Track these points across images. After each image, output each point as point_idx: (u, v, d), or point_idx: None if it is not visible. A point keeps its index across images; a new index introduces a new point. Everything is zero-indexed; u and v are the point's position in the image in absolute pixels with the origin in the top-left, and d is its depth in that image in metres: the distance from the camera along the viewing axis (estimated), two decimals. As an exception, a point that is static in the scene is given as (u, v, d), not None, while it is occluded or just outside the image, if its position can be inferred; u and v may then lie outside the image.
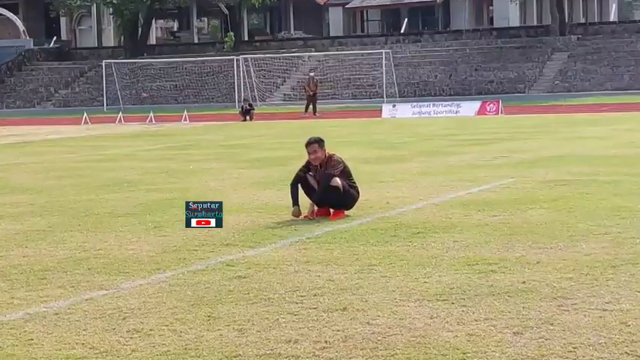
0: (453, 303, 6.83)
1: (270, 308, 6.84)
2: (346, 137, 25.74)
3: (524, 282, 7.39)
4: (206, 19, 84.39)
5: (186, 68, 59.25)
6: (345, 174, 11.12)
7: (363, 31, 72.68)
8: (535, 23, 65.98)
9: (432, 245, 9.06)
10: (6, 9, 70.92)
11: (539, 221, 10.22)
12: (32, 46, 67.51)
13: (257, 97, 51.66)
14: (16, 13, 72.63)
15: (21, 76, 64.19)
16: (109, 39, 72.66)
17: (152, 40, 71.78)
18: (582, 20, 67.89)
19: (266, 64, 56.48)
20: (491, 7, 68.11)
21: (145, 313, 6.81)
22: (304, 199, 11.05)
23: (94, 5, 68.18)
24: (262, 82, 54.97)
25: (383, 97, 49.29)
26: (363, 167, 16.19)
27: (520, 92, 50.36)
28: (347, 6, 71.44)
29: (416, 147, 21.65)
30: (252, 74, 53.50)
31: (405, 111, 39.70)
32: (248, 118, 39.67)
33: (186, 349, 5.92)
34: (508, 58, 54.49)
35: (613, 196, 11.94)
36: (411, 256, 8.59)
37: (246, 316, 6.62)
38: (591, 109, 37.53)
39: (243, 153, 21.52)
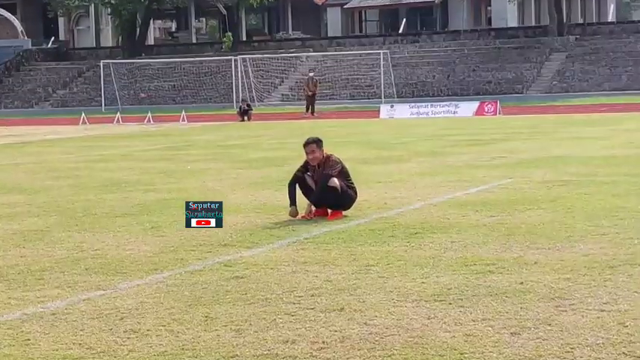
0: (450, 303, 6.82)
1: (267, 308, 6.83)
2: (344, 137, 25.74)
3: (521, 282, 7.38)
4: (204, 19, 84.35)
5: (184, 68, 59.23)
6: (343, 174, 11.11)
7: (361, 31, 72.68)
8: (533, 24, 65.99)
9: (430, 246, 9.06)
10: (4, 9, 70.88)
11: (537, 222, 10.21)
12: (30, 47, 67.46)
13: (255, 98, 51.65)
14: (14, 13, 72.59)
15: (19, 77, 64.15)
16: (107, 39, 72.62)
17: (150, 41, 71.72)
18: (580, 21, 67.90)
19: (264, 64, 56.46)
20: (489, 8, 68.10)
21: (142, 313, 6.80)
22: (302, 200, 11.05)
23: (92, 5, 68.15)
24: (260, 82, 54.96)
25: (381, 98, 49.28)
26: (361, 167, 16.18)
27: (518, 93, 50.36)
28: (345, 6, 71.42)
29: (414, 147, 21.65)
30: (251, 74, 53.50)
31: (403, 111, 39.71)
32: (246, 118, 39.67)
33: (183, 349, 5.91)
34: (506, 59, 54.50)
35: (611, 197, 11.94)
36: (409, 256, 8.58)
37: (243, 317, 6.61)
38: (589, 109, 37.54)
39: (241, 153, 21.52)
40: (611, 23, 62.65)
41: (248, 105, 41.32)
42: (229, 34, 64.81)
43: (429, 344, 5.86)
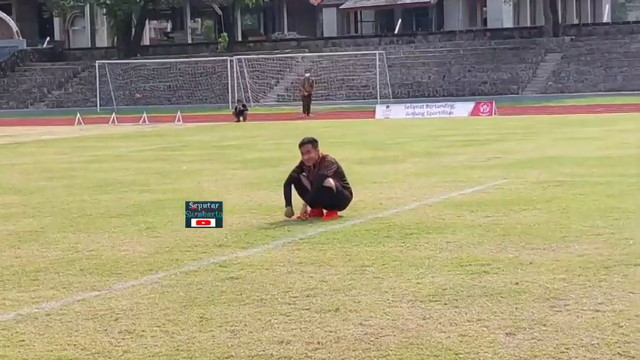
0: (445, 304, 6.82)
1: (262, 309, 6.82)
2: (340, 138, 25.74)
3: (517, 283, 7.38)
4: (200, 19, 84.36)
5: (179, 69, 59.19)
6: (339, 175, 11.11)
7: (356, 31, 72.70)
8: (528, 24, 66.05)
9: (425, 246, 9.06)
10: (-1, 9, 70.87)
11: (532, 222, 10.22)
12: (25, 47, 67.40)
13: (251, 98, 51.63)
14: (9, 13, 72.53)
15: (14, 77, 64.08)
16: (103, 39, 72.58)
17: (145, 41, 71.70)
18: (576, 21, 67.93)
19: (260, 64, 56.44)
20: (484, 8, 68.16)
21: (137, 314, 6.79)
22: (297, 200, 11.04)
23: (88, 6, 68.11)
24: (256, 82, 54.94)
25: (377, 98, 49.29)
26: (357, 168, 16.18)
27: (513, 93, 50.38)
28: (341, 7, 71.44)
29: (409, 148, 21.65)
30: (246, 75, 53.49)
31: (399, 112, 39.71)
32: (242, 118, 39.64)
33: (178, 350, 5.90)
34: (501, 59, 54.53)
35: (606, 197, 11.94)
36: (404, 256, 8.58)
37: (238, 317, 6.61)
38: (584, 110, 37.57)
39: (236, 154, 21.51)
40: (607, 24, 62.74)
41: (244, 105, 41.30)
42: (225, 34, 64.83)
43: (425, 345, 5.86)
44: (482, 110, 37.68)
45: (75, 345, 6.08)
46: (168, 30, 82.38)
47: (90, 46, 70.96)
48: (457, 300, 6.91)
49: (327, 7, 73.45)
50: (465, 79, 53.13)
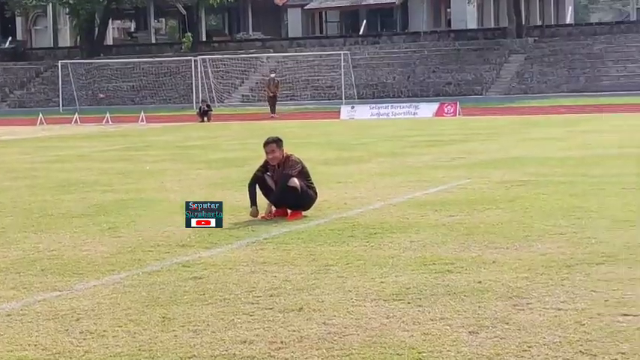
0: (409, 303, 6.82)
1: (225, 309, 6.79)
2: (304, 138, 25.72)
3: (480, 282, 7.40)
4: (164, 19, 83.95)
5: (143, 69, 58.91)
6: (303, 174, 11.09)
7: (321, 32, 72.70)
8: (492, 25, 66.36)
9: (389, 245, 9.06)
10: (-40, 9, 70.16)
11: (495, 221, 10.25)
12: (-13, 46, 66.81)
13: (215, 98, 51.50)
14: (-30, 12, 71.84)
15: (-24, 77, 63.49)
16: (65, 39, 72.04)
17: (109, 41, 71.27)
18: (539, 23, 68.42)
19: (224, 64, 56.29)
20: (448, 9, 68.41)
21: (99, 314, 6.74)
22: (262, 200, 11.01)
23: (50, 5, 67.58)
24: (220, 83, 54.80)
25: (341, 99, 49.33)
26: (321, 168, 16.17)
27: (477, 94, 50.63)
28: (305, 7, 71.42)
29: (374, 148, 21.68)
30: (210, 75, 53.32)
31: (364, 112, 39.77)
32: (206, 119, 39.52)
33: (140, 350, 5.86)
34: (466, 60, 54.78)
35: (569, 197, 12.02)
36: (368, 256, 8.58)
37: (201, 317, 6.57)
38: (547, 110, 37.82)
39: (200, 154, 21.43)
40: (569, 25, 63.22)
41: (208, 106, 41.17)
42: (189, 34, 64.59)
43: (388, 343, 5.85)
44: (446, 111, 37.83)
45: (36, 345, 6.02)
46: (132, 30, 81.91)
47: (52, 45, 70.42)
48: (420, 299, 6.92)
49: (291, 8, 73.40)
50: (430, 80, 53.32)
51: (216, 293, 7.28)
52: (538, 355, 5.56)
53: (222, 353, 5.76)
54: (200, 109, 40.85)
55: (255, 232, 10.00)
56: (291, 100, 50.94)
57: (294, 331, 6.19)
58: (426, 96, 50.00)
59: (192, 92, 52.03)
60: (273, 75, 44.41)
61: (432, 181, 14.37)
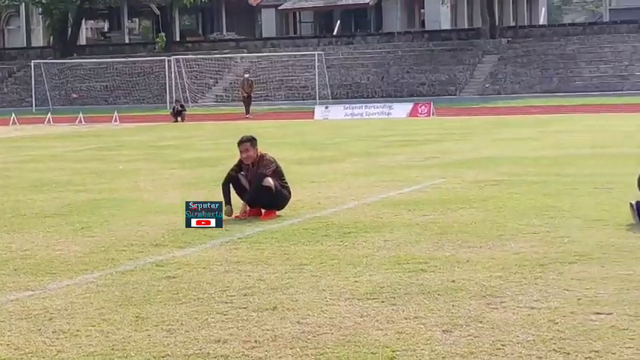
0: (383, 302, 6.83)
1: (199, 308, 6.77)
2: (278, 138, 25.70)
3: (453, 280, 7.42)
4: (137, 19, 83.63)
5: (116, 69, 58.66)
6: (277, 174, 11.08)
7: (295, 32, 72.65)
8: (466, 26, 66.54)
9: (363, 244, 9.07)
10: None
11: (469, 221, 10.28)
12: (-41, 46, 66.34)
13: (189, 98, 51.36)
14: (-58, 12, 71.30)
15: (-53, 77, 63.01)
16: (38, 39, 71.64)
17: (82, 41, 70.94)
18: (512, 23, 68.67)
19: (198, 65, 56.17)
20: (422, 10, 68.53)
21: (72, 313, 6.70)
22: (236, 199, 10.99)
23: (23, 5, 67.17)
24: (194, 83, 54.67)
25: (315, 99, 49.33)
26: (295, 168, 16.16)
27: (451, 94, 50.78)
28: (279, 7, 71.35)
29: (348, 148, 21.69)
30: (184, 75, 53.19)
31: (338, 112, 39.79)
32: (179, 119, 39.42)
33: (113, 349, 5.83)
34: (439, 61, 54.93)
35: (542, 196, 12.07)
36: (342, 255, 8.58)
37: (174, 317, 6.55)
38: (521, 111, 37.98)
39: (174, 154, 21.37)
40: (543, 26, 63.48)
41: (182, 106, 41.06)
42: (162, 34, 64.38)
43: (362, 342, 5.85)
44: (420, 111, 37.91)
45: (8, 345, 5.98)
46: (105, 30, 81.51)
47: (25, 45, 69.99)
48: (394, 298, 6.92)
49: (265, 8, 73.31)
50: (404, 80, 53.42)
51: (190, 292, 7.25)
52: (512, 354, 5.58)
53: (196, 352, 5.74)
54: (174, 109, 40.73)
55: (228, 232, 9.97)
56: (265, 100, 50.88)
57: (268, 330, 6.18)
58: (400, 96, 50.09)
59: (165, 92, 51.86)
60: (247, 75, 44.35)
61: (405, 180, 14.40)
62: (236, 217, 10.84)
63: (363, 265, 8.10)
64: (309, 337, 6.00)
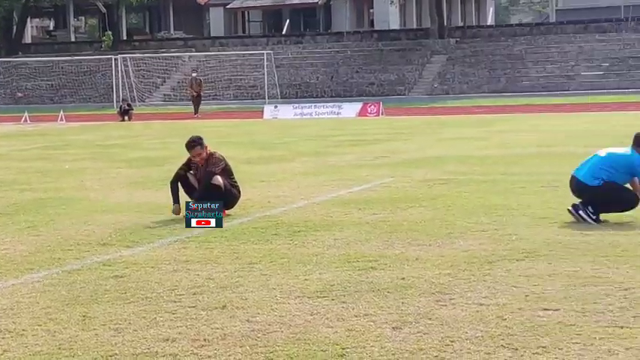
0: (333, 299, 6.82)
1: (147, 307, 6.71)
2: (227, 137, 25.60)
3: (403, 278, 7.43)
4: (83, 17, 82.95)
5: (62, 67, 58.03)
6: (227, 172, 11.03)
7: (244, 31, 72.49)
8: (415, 26, 66.89)
9: (313, 243, 9.05)
10: None
11: (418, 219, 10.32)
12: None
13: (136, 98, 50.98)
14: None
15: None
16: (-17, 37, 70.69)
17: (27, 39, 70.14)
18: (460, 24, 69.15)
19: (145, 64, 55.78)
20: (371, 10, 68.76)
21: (18, 313, 6.61)
22: (185, 198, 10.90)
23: (-33, 2, 66.29)
24: (141, 82, 54.28)
25: (265, 98, 49.24)
26: (245, 167, 16.11)
27: (400, 94, 50.96)
28: (228, 6, 71.13)
29: (297, 147, 21.67)
30: (131, 74, 52.79)
31: (287, 112, 39.75)
32: (127, 118, 39.13)
33: (60, 348, 5.76)
34: (388, 61, 55.10)
35: (489, 195, 12.15)
36: (292, 254, 8.56)
37: (122, 316, 6.48)
38: (468, 111, 38.24)
39: (121, 153, 21.20)
40: (490, 27, 64.01)
41: (129, 105, 40.76)
42: (109, 32, 63.88)
43: (312, 340, 5.84)
44: (369, 111, 38.00)
45: (-49, 346, 5.88)
46: (51, 28, 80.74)
47: (-30, 43, 69.04)
48: (344, 295, 6.92)
49: (214, 7, 73.06)
50: (353, 80, 53.52)
51: (138, 292, 7.19)
52: (460, 350, 5.60)
53: (144, 351, 5.69)
54: (121, 108, 40.44)
55: (177, 231, 9.91)
56: (213, 99, 50.65)
57: (218, 328, 6.14)
58: (350, 96, 50.17)
59: (112, 91, 51.45)
60: (194, 74, 44.09)
61: (355, 179, 14.41)
62: (184, 215, 10.76)
63: (313, 263, 8.09)
64: (259, 335, 5.98)
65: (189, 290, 7.21)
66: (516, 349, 5.58)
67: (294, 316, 6.41)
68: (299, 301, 6.82)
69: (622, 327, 5.97)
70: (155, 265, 8.17)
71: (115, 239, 9.50)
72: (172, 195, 10.90)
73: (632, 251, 8.29)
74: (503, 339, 5.78)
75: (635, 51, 51.59)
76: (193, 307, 6.70)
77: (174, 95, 53.71)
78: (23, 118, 39.32)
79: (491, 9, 75.92)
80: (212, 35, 68.78)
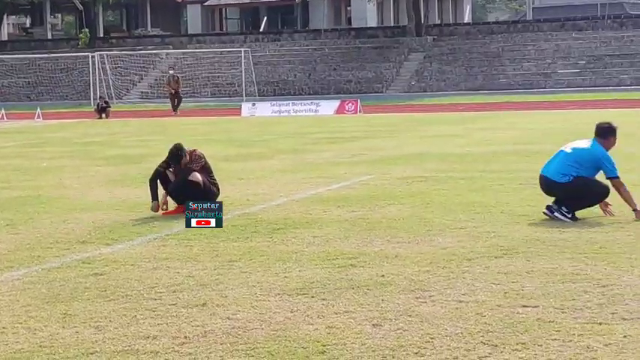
0: (313, 297, 6.84)
1: (127, 305, 6.71)
2: (205, 135, 25.55)
3: (382, 275, 7.46)
4: (60, 15, 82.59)
5: (39, 65, 57.76)
6: (206, 170, 11.04)
7: (222, 29, 72.39)
8: (392, 24, 67.01)
9: (293, 241, 9.07)
10: None
11: (397, 216, 10.35)
12: None
13: (113, 95, 50.82)
14: None
15: None
16: (-41, 34, 70.31)
17: (4, 36, 69.81)
18: (438, 21, 69.31)
19: (122, 61, 55.60)
20: (349, 8, 68.83)
21: (-3, 311, 6.59)
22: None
23: (-57, -1, 65.84)
24: (119, 79, 54.10)
25: (242, 96, 49.18)
26: (223, 165, 16.10)
27: (378, 92, 51.05)
28: (205, 3, 71.02)
29: (276, 145, 21.67)
30: (108, 71, 52.61)
31: (265, 110, 39.73)
32: (104, 115, 39.02)
33: (40, 346, 5.75)
34: (366, 58, 55.18)
35: (468, 192, 12.20)
36: (272, 251, 8.57)
37: (103, 313, 6.48)
38: (446, 108, 38.35)
39: (99, 150, 21.13)
40: (467, 24, 64.17)
41: (106, 102, 40.64)
42: (86, 30, 63.61)
43: (292, 337, 5.86)
44: (347, 108, 38.06)
45: None
46: (28, 25, 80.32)
47: (-55, 40, 68.63)
48: (324, 293, 6.94)
49: (191, 4, 72.91)
50: (331, 78, 53.56)
51: (118, 289, 7.19)
52: (440, 347, 5.64)
53: (125, 349, 5.69)
54: (98, 105, 40.32)
55: (156, 229, 9.91)
56: (191, 97, 50.53)
57: (198, 326, 6.15)
58: (327, 94, 50.22)
59: (89, 89, 51.24)
60: (171, 72, 43.98)
61: (334, 177, 14.44)
62: (163, 213, 10.77)
63: (292, 260, 8.11)
64: (240, 332, 5.99)
65: (170, 288, 7.22)
66: (496, 346, 5.62)
67: (275, 313, 6.43)
68: (279, 298, 6.83)
69: (600, 323, 6.02)
70: (135, 263, 8.16)
71: (94, 237, 9.48)
72: (151, 192, 10.89)
73: (610, 248, 8.36)
74: (482, 335, 5.82)
75: (611, 49, 51.90)
76: (174, 304, 6.71)
77: (151, 93, 53.58)
78: (0, 116, 39.11)
79: (468, 7, 76.13)
80: (189, 32, 68.67)
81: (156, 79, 54.28)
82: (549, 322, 6.08)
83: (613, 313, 6.24)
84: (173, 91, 41.57)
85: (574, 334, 5.80)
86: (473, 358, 5.43)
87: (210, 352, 5.61)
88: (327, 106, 38.84)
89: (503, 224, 9.68)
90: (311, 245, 8.81)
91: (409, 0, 57.35)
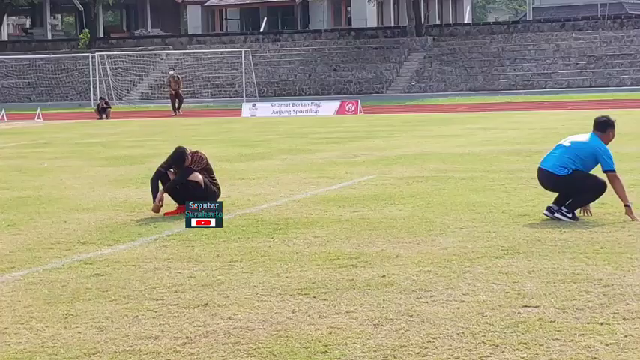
0: (314, 297, 6.85)
1: (129, 305, 6.72)
2: (206, 136, 25.57)
3: (384, 275, 7.47)
4: (60, 15, 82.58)
5: (39, 65, 57.77)
6: (207, 171, 11.06)
7: (222, 29, 72.38)
8: (392, 24, 66.99)
9: (294, 241, 9.08)
10: None
11: (398, 216, 10.36)
12: None
13: (113, 96, 50.82)
14: None
15: None
16: (-41, 35, 70.32)
17: (4, 37, 69.82)
18: (438, 22, 69.32)
19: (122, 62, 55.60)
20: (349, 8, 68.84)
21: (0, 311, 6.61)
22: (167, 198, 10.90)
23: (-57, 0, 65.83)
24: (119, 80, 54.11)
25: (243, 97, 49.19)
26: (224, 165, 16.11)
27: (378, 92, 51.06)
28: (205, 4, 71.02)
29: (276, 145, 21.67)
30: (109, 72, 52.62)
31: (265, 110, 39.72)
32: (104, 116, 39.01)
33: (42, 346, 5.76)
34: (366, 59, 55.18)
35: (469, 192, 12.21)
36: (273, 251, 8.58)
37: (104, 314, 6.49)
38: (446, 108, 38.35)
39: (99, 151, 21.14)
40: (467, 25, 64.11)
41: (106, 103, 40.64)
42: (86, 30, 63.59)
43: (294, 337, 5.87)
44: (347, 109, 38.05)
45: None
46: (28, 26, 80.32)
47: (-55, 41, 68.65)
48: (326, 293, 6.95)
49: (191, 5, 72.92)
50: (331, 78, 53.57)
51: (120, 290, 7.20)
52: (442, 346, 5.64)
53: (127, 349, 5.70)
54: (98, 106, 40.31)
55: (157, 229, 9.92)
56: (191, 97, 50.54)
57: (200, 326, 6.16)
58: (328, 94, 50.23)
59: (89, 89, 51.27)
60: (172, 72, 43.98)
61: (335, 177, 14.45)
62: (165, 214, 10.78)
63: (293, 261, 8.12)
64: (241, 332, 6.00)
65: (171, 288, 7.23)
66: (497, 346, 5.63)
67: (276, 313, 6.43)
68: (280, 298, 6.84)
69: (601, 323, 6.03)
70: (136, 264, 8.17)
71: (95, 238, 9.49)
72: (152, 193, 10.90)
73: (610, 248, 8.36)
74: (484, 335, 5.83)
75: (611, 49, 51.91)
76: (175, 305, 6.72)
77: (151, 93, 53.58)
78: (0, 116, 39.12)
79: (468, 7, 76.11)
80: (189, 33, 68.65)
81: (156, 80, 54.29)
82: (550, 321, 6.09)
83: (614, 313, 6.25)
84: (174, 92, 41.59)
85: (575, 334, 5.81)
86: (474, 358, 5.44)
87: (212, 353, 5.62)
88: (328, 107, 38.84)
89: (504, 224, 9.68)
90: (312, 245, 8.82)
91: (409, 0, 57.36)
